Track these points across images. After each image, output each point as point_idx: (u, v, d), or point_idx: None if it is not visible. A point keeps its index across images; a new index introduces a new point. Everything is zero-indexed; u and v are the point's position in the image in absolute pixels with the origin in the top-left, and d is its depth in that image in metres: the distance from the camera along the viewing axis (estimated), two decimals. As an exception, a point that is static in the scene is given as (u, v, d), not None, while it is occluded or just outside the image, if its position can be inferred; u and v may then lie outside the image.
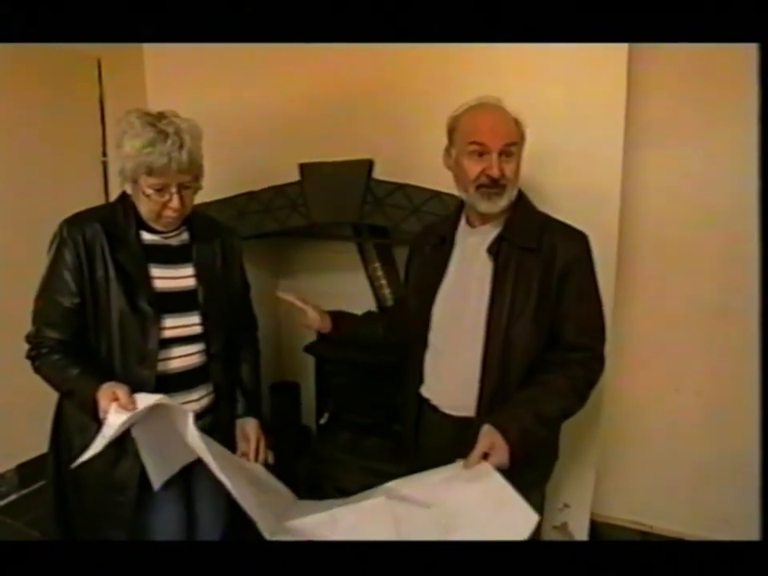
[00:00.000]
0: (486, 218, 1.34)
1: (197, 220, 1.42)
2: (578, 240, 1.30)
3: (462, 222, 1.40)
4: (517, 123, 1.29)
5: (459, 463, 1.17)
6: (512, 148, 1.26)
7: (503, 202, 1.28)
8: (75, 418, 1.30)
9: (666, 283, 2.06)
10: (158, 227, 1.34)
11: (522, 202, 1.35)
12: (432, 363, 1.41)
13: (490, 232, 1.33)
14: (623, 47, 1.62)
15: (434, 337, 1.39)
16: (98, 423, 1.14)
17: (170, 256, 1.36)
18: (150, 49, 2.19)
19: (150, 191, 1.25)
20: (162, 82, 2.21)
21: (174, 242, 1.38)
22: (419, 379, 1.43)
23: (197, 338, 1.38)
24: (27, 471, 2.59)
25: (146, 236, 1.33)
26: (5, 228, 2.42)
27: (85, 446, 1.17)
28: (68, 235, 1.25)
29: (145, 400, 1.14)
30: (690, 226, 2.01)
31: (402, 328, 1.54)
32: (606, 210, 1.69)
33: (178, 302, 1.35)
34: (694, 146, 1.95)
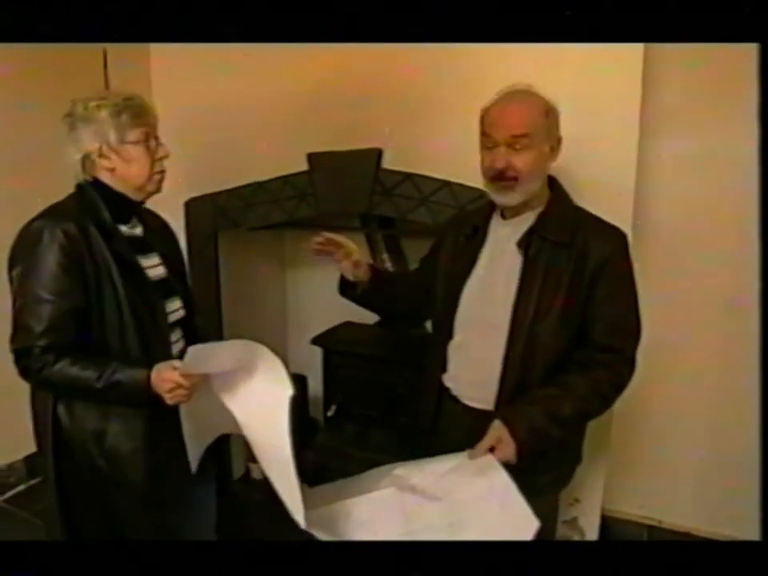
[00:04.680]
0: (516, 210, 1.30)
1: (142, 211, 1.42)
2: (614, 238, 1.26)
3: (496, 212, 1.37)
4: (545, 113, 1.22)
5: (466, 453, 1.18)
6: (521, 140, 1.20)
7: (516, 196, 1.24)
8: (87, 423, 1.26)
9: (679, 276, 2.03)
10: (148, 190, 1.34)
11: (557, 195, 1.31)
12: (456, 353, 1.39)
13: (522, 224, 1.29)
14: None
15: (459, 327, 1.36)
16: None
17: (140, 246, 1.36)
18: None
19: (140, 142, 1.27)
20: (167, 73, 2.20)
21: (137, 232, 1.38)
22: (441, 367, 1.41)
23: (179, 322, 1.41)
24: (35, 463, 2.60)
25: (122, 227, 1.32)
26: (8, 218, 2.42)
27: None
28: (54, 233, 1.18)
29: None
30: (704, 219, 1.98)
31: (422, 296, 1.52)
32: (620, 203, 1.66)
33: (161, 288, 1.37)
34: (709, 139, 1.92)
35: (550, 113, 1.23)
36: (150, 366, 1.18)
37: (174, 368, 1.14)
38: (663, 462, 2.21)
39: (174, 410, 1.22)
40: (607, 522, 2.17)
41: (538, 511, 1.17)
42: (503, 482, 1.11)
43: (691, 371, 2.10)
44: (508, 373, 1.26)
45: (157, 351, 1.27)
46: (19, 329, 1.21)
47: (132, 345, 1.25)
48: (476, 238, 1.37)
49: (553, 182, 1.33)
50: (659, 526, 2.26)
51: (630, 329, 1.26)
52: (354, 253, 1.44)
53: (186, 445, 1.28)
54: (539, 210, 1.29)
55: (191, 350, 1.10)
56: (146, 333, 1.27)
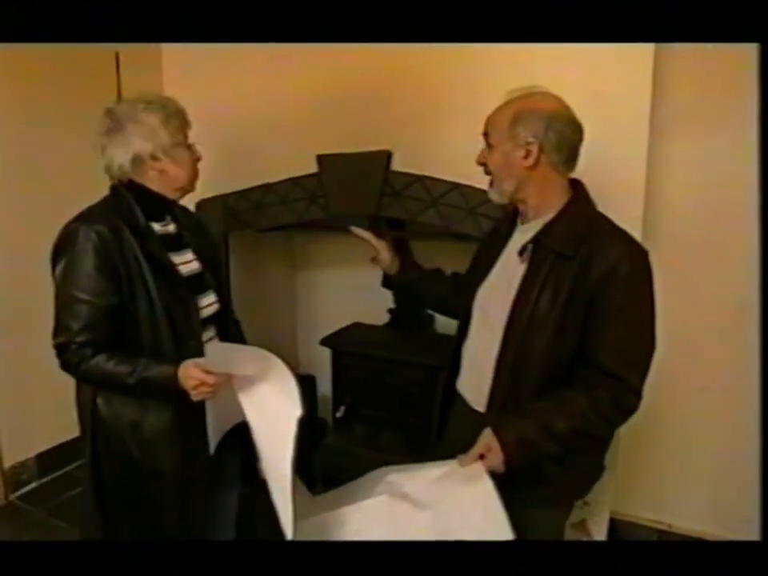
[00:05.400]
0: (527, 216, 1.28)
1: (176, 208, 1.47)
2: (623, 249, 1.16)
3: (519, 218, 1.33)
4: (512, 118, 1.19)
5: (456, 460, 1.18)
6: (486, 138, 1.25)
7: (494, 193, 1.28)
8: (125, 414, 1.31)
9: (691, 278, 2.02)
10: (188, 190, 1.41)
11: (572, 202, 1.24)
12: (465, 356, 1.39)
13: (530, 232, 1.24)
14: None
15: (471, 330, 1.37)
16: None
17: (174, 243, 1.41)
18: (168, 43, 2.19)
19: (186, 145, 1.37)
20: (179, 76, 2.21)
21: (170, 229, 1.42)
22: (453, 368, 1.42)
23: (213, 317, 1.44)
24: (46, 460, 2.63)
25: (155, 226, 1.37)
26: (22, 220, 2.44)
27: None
28: (89, 235, 1.23)
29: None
30: (715, 220, 1.97)
31: (460, 298, 1.52)
32: (631, 205, 1.66)
33: (194, 283, 1.40)
34: (719, 140, 1.91)
35: (518, 119, 1.19)
36: (178, 363, 1.21)
37: (198, 365, 1.18)
38: (674, 465, 2.19)
39: (203, 402, 1.26)
40: (617, 526, 2.16)
41: (549, 522, 1.17)
42: (487, 491, 1.11)
43: (703, 374, 2.09)
44: (498, 380, 1.24)
45: (189, 347, 1.31)
46: (59, 326, 1.26)
47: (165, 341, 1.29)
48: (497, 242, 1.36)
49: (576, 188, 1.27)
50: (669, 530, 2.24)
51: (634, 356, 1.17)
52: (381, 252, 1.58)
53: (208, 427, 1.33)
54: (549, 217, 1.23)
55: (210, 347, 1.14)
56: (178, 329, 1.31)
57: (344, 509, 1.20)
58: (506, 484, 1.14)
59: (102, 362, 1.23)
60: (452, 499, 1.14)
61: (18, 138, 2.43)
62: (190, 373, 1.19)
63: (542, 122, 1.18)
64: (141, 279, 1.27)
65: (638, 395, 1.17)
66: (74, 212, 1.32)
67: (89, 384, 1.32)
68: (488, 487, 1.11)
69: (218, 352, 1.18)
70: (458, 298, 1.49)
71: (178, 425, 1.31)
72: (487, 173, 1.28)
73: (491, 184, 1.28)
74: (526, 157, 1.20)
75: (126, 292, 1.26)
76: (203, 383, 1.18)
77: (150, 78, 2.35)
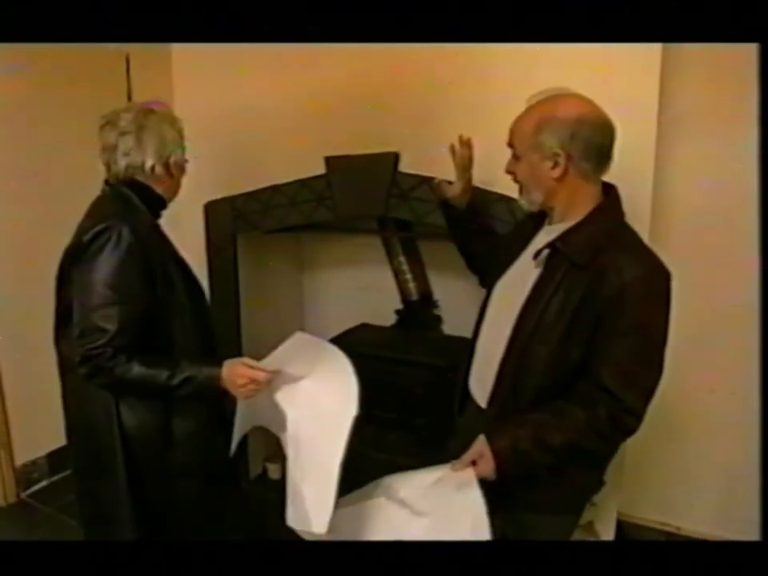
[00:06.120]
0: (552, 218, 1.25)
1: None
2: (640, 269, 1.10)
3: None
4: (536, 126, 1.15)
5: (450, 465, 1.19)
6: (512, 149, 1.22)
7: (524, 201, 1.25)
8: (151, 420, 1.30)
9: (701, 278, 2.01)
10: (172, 199, 1.43)
11: (598, 210, 1.18)
12: (477, 352, 1.37)
13: (552, 234, 1.20)
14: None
15: (483, 326, 1.36)
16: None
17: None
18: (177, 45, 2.21)
19: (184, 164, 1.40)
20: (188, 78, 2.23)
21: None
22: (467, 366, 1.40)
23: None
24: (56, 459, 2.65)
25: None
26: (30, 223, 2.47)
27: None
28: (124, 235, 1.20)
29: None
30: (724, 221, 1.96)
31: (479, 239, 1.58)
32: (638, 205, 1.65)
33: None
34: (727, 140, 1.91)
35: (541, 129, 1.14)
36: (216, 363, 1.22)
37: (249, 365, 1.18)
38: (683, 467, 2.18)
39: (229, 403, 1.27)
40: (625, 528, 2.15)
41: (548, 530, 1.20)
42: (474, 498, 1.12)
43: (711, 377, 2.08)
44: (501, 381, 1.23)
45: (209, 339, 1.35)
46: (90, 330, 1.19)
47: (193, 339, 1.31)
48: (523, 237, 1.33)
49: (608, 194, 1.22)
50: (678, 533, 2.23)
51: (637, 378, 1.12)
52: (457, 179, 1.55)
53: (234, 426, 1.33)
54: (573, 222, 1.19)
55: (297, 336, 1.15)
56: (200, 323, 1.33)
57: (341, 510, 1.20)
58: (500, 490, 1.14)
59: (137, 366, 1.19)
60: (444, 506, 1.15)
61: (28, 139, 2.45)
62: (239, 371, 1.17)
63: (566, 129, 1.13)
64: (170, 278, 1.28)
65: (638, 417, 1.14)
66: (82, 211, 1.32)
67: (121, 390, 1.27)
68: (476, 494, 1.12)
69: (299, 337, 1.17)
70: (484, 263, 1.54)
71: (206, 425, 1.33)
72: (516, 181, 1.25)
73: (520, 192, 1.25)
74: (554, 168, 1.15)
75: (160, 291, 1.25)
76: (253, 381, 1.17)
77: (159, 79, 2.37)
